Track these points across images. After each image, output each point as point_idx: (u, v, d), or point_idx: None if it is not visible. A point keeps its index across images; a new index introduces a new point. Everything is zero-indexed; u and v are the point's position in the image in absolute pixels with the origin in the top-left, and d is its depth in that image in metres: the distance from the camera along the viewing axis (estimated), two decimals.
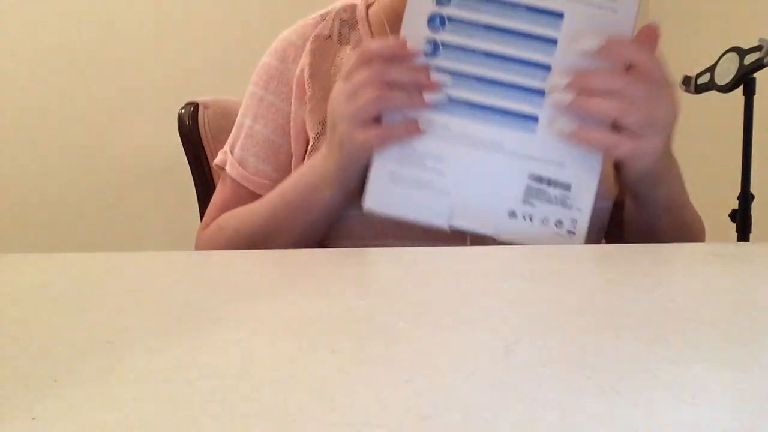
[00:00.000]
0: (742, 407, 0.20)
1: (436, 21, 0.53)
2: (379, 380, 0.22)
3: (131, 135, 2.09)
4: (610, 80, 0.49)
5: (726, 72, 1.16)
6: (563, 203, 0.53)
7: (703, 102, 1.48)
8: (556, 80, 0.51)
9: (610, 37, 0.50)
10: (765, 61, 1.07)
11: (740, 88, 1.17)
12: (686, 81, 1.26)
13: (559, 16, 0.52)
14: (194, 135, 0.94)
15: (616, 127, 0.50)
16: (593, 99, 0.50)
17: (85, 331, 0.29)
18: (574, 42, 0.51)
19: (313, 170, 0.58)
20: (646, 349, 0.25)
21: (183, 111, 0.94)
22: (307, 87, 0.65)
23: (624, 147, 0.50)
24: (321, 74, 0.65)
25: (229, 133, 0.73)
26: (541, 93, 0.52)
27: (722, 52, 1.18)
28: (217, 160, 0.73)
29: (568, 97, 0.50)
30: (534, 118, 0.53)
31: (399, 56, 0.52)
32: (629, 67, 0.50)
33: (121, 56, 2.06)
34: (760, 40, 1.09)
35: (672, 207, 0.59)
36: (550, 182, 0.53)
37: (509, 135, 0.53)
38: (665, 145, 0.51)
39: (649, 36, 0.52)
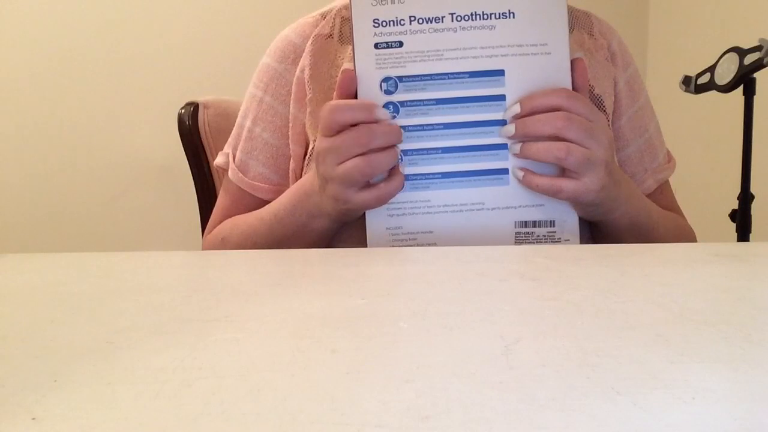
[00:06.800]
0: (741, 407, 0.20)
1: (389, 108, 0.55)
2: (379, 380, 0.22)
3: (131, 135, 2.09)
4: (547, 126, 0.52)
5: (726, 72, 1.16)
6: (552, 239, 0.57)
7: (703, 102, 1.49)
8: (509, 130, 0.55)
9: (550, 79, 0.54)
10: (765, 61, 1.07)
11: (740, 88, 1.17)
12: (686, 81, 1.26)
13: (500, 73, 0.55)
14: (194, 135, 0.94)
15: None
16: (534, 146, 0.53)
17: (85, 331, 0.29)
18: (508, 109, 0.55)
19: (308, 199, 0.58)
20: (646, 349, 0.25)
21: (183, 111, 0.95)
22: (307, 89, 0.64)
23: (566, 190, 0.53)
24: (321, 75, 0.64)
25: (229, 133, 0.73)
26: (503, 146, 0.56)
27: (722, 52, 1.18)
28: (218, 161, 0.73)
29: (515, 146, 0.54)
30: (504, 171, 0.56)
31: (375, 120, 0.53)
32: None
33: (121, 56, 2.06)
34: (760, 40, 1.09)
35: (634, 224, 0.60)
36: (536, 223, 0.56)
37: (487, 192, 0.56)
38: (604, 178, 0.53)
39: (579, 69, 0.55)
